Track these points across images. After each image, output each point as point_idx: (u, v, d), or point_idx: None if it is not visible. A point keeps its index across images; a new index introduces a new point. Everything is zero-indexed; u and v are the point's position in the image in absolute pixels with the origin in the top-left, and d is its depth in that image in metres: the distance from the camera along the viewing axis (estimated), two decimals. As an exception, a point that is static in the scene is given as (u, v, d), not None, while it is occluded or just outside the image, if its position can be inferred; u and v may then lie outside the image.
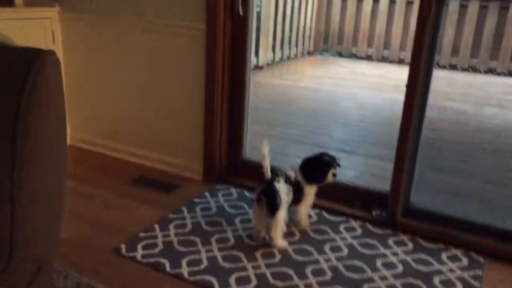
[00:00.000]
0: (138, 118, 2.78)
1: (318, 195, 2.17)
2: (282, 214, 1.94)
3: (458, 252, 2.02)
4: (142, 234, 2.03)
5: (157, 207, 2.29)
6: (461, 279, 1.83)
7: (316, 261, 1.90)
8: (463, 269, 1.90)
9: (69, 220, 2.14)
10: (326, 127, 4.05)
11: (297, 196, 2.05)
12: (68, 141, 3.04)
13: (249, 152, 2.68)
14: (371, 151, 3.43)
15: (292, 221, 2.14)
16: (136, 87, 2.73)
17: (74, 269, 1.74)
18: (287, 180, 2.00)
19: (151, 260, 1.85)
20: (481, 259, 1.98)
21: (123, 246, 1.93)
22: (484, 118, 4.57)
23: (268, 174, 1.94)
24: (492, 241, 2.04)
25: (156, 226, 2.10)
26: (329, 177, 2.10)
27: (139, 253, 1.89)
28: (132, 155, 2.85)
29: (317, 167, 2.10)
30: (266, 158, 1.94)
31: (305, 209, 2.14)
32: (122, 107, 2.82)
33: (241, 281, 1.74)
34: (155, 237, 2.01)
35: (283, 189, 1.94)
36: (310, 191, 2.12)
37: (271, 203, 1.92)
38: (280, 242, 1.97)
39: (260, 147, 1.97)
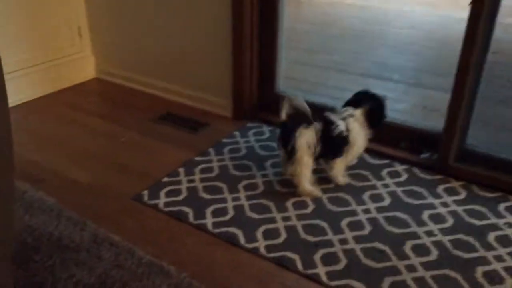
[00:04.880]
0: (164, 49, 2.56)
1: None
2: (303, 161, 1.74)
3: (519, 203, 1.77)
4: (166, 179, 1.89)
5: (184, 148, 2.14)
6: (521, 236, 1.60)
7: (353, 213, 1.71)
8: (524, 223, 1.66)
9: (90, 163, 2.04)
10: (372, 51, 3.67)
11: (336, 148, 1.81)
12: (94, 74, 2.89)
13: (284, 84, 2.43)
14: (423, 79, 3.08)
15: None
16: (161, 15, 2.48)
17: (93, 219, 1.64)
18: (326, 129, 1.75)
19: (174, 209, 1.72)
20: (547, 212, 1.73)
21: (145, 193, 1.81)
22: (557, 37, 4.00)
23: (283, 115, 1.76)
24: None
25: (181, 170, 1.95)
26: None
27: (162, 200, 1.77)
28: (159, 89, 2.67)
29: (381, 109, 1.85)
30: (294, 101, 1.75)
31: (342, 164, 1.86)
32: (147, 37, 2.60)
33: (269, 234, 1.59)
34: (179, 182, 1.87)
35: (305, 137, 1.72)
36: (360, 143, 1.84)
37: (286, 148, 1.75)
38: (307, 187, 1.78)
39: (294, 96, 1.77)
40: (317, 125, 1.75)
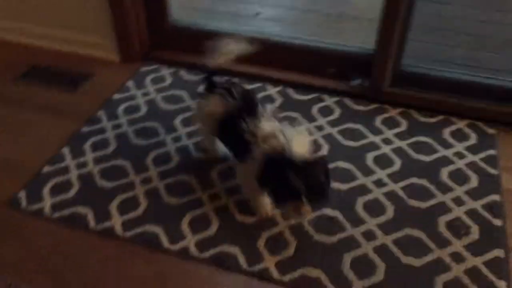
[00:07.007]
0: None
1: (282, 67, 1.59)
2: None
3: (462, 125, 1.60)
4: (47, 169, 1.44)
5: (64, 116, 1.65)
6: (473, 167, 1.44)
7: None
8: (472, 150, 1.50)
9: None
10: None
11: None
12: None
13: (178, 11, 1.95)
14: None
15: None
16: None
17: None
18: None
19: (66, 212, 1.30)
20: (492, 131, 1.58)
21: (22, 195, 1.36)
22: None
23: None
24: (505, 105, 1.61)
25: (66, 151, 1.50)
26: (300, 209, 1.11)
27: (47, 202, 1.33)
28: (18, 33, 2.04)
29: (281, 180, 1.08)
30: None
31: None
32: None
33: (197, 224, 1.27)
34: (67, 170, 1.43)
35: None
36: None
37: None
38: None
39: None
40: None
